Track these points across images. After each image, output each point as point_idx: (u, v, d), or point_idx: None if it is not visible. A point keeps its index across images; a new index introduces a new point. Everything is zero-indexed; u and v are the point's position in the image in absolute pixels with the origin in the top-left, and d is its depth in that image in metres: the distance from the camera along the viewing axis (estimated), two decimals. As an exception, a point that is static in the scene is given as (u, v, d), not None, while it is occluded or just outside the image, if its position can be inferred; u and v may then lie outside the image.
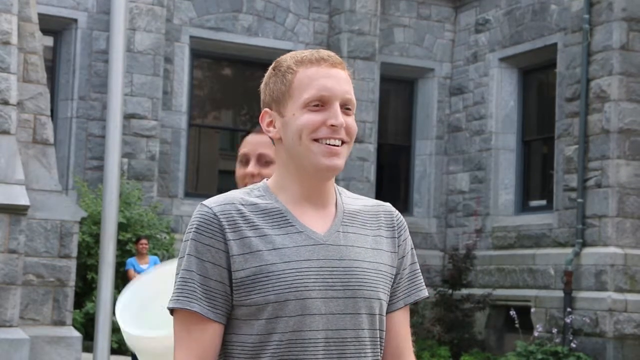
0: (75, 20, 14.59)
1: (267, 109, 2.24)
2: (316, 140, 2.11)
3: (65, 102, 14.65)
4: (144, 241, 12.75)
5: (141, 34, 14.77)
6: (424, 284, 2.31)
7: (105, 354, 7.37)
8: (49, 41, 14.35)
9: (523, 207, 15.35)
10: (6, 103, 8.43)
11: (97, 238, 12.40)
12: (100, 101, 14.07)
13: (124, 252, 12.95)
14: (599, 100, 13.46)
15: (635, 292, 12.98)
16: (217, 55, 16.05)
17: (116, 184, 7.40)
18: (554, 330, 13.02)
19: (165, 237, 13.98)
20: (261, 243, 2.10)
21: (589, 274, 13.23)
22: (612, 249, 13.08)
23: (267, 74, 2.27)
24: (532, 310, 13.82)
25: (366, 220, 2.23)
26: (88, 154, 14.58)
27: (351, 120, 2.15)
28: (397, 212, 2.30)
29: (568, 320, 12.98)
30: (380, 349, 2.20)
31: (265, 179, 2.26)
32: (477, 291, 14.62)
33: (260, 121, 2.25)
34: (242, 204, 2.14)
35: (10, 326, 8.22)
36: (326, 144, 2.11)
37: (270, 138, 2.23)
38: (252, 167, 3.15)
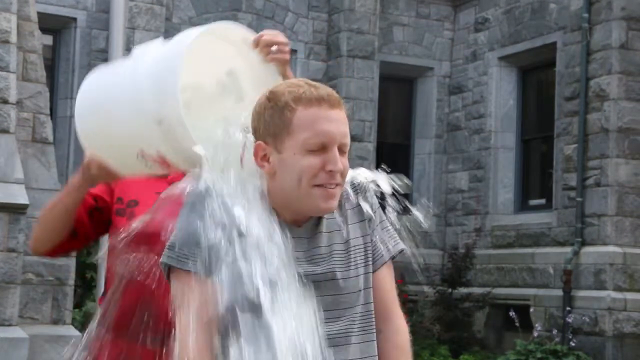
0: (75, 19, 14.58)
1: (261, 143, 2.21)
2: (315, 185, 2.15)
3: (64, 100, 14.65)
4: None
5: (140, 33, 14.76)
6: (397, 238, 2.40)
7: (104, 353, 7.36)
8: (48, 40, 14.34)
9: (522, 206, 15.35)
10: (5, 102, 8.42)
11: (96, 237, 12.39)
12: (100, 100, 14.06)
13: (123, 251, 12.94)
14: (598, 99, 13.46)
15: (635, 291, 12.98)
16: (217, 54, 16.03)
17: (115, 183, 7.39)
18: (554, 329, 13.02)
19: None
20: (246, 224, 2.15)
21: (588, 273, 13.23)
22: (611, 248, 13.08)
23: (260, 104, 2.23)
24: (532, 309, 13.83)
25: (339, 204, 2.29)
26: (87, 153, 14.57)
27: (345, 161, 2.21)
28: (352, 180, 2.37)
29: (567, 319, 12.98)
30: (371, 320, 2.27)
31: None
32: (477, 290, 14.62)
33: (254, 155, 2.22)
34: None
35: (10, 325, 8.22)
36: (324, 187, 2.16)
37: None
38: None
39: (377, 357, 2.30)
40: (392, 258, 2.39)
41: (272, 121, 2.17)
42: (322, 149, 2.14)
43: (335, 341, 2.18)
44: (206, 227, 2.13)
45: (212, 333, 2.12)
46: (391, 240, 2.38)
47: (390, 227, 2.39)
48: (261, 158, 2.20)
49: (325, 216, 2.27)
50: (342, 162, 2.18)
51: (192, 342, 2.09)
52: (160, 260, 2.18)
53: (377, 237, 2.35)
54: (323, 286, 2.20)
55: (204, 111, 2.55)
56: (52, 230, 3.13)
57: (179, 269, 2.13)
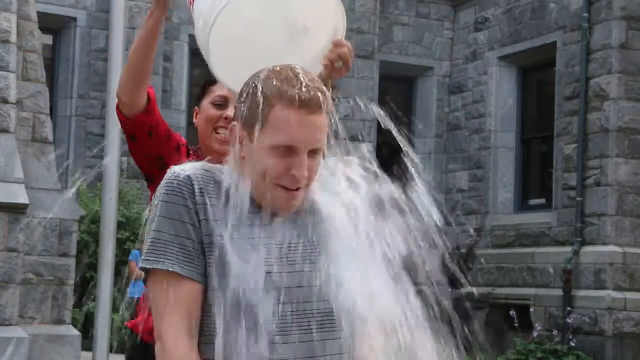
0: (75, 19, 14.58)
1: (240, 126, 2.20)
2: (277, 184, 2.14)
3: (64, 100, 14.65)
4: None
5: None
6: None
7: (104, 353, 7.37)
8: (48, 39, 14.34)
9: (522, 205, 15.35)
10: (5, 101, 8.42)
11: (95, 237, 12.40)
12: (100, 99, 14.06)
13: (122, 250, 12.94)
14: (598, 99, 13.46)
15: (635, 290, 12.98)
16: (216, 53, 16.03)
17: (115, 183, 7.40)
18: (553, 329, 13.02)
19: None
20: (220, 213, 2.14)
21: (588, 273, 13.23)
22: (611, 248, 13.08)
23: (246, 86, 2.21)
24: (532, 309, 13.82)
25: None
26: (87, 153, 14.58)
27: (315, 164, 2.18)
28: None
29: (567, 319, 12.98)
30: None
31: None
32: (477, 290, 14.62)
33: (229, 131, 2.22)
34: (209, 177, 2.18)
35: (10, 324, 8.22)
36: (286, 188, 2.15)
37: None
38: (231, 111, 3.11)
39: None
40: None
41: (250, 110, 2.16)
42: (290, 153, 2.13)
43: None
44: (182, 224, 2.12)
45: (195, 333, 2.10)
46: None
47: None
48: (236, 138, 2.20)
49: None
50: (309, 165, 2.15)
51: (181, 345, 2.08)
52: (140, 264, 2.15)
53: None
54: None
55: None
56: (134, 69, 3.25)
57: (158, 269, 2.11)
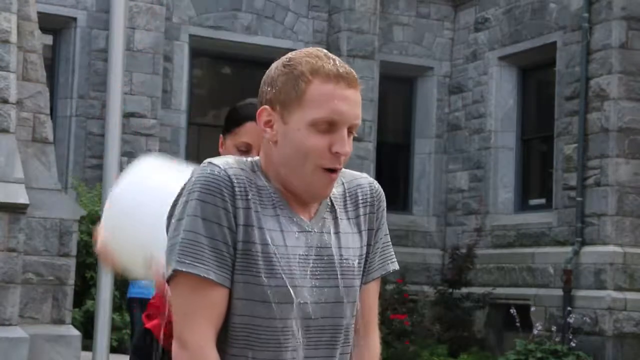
0: (75, 19, 14.58)
1: (268, 107, 2.11)
2: (320, 166, 2.06)
3: (64, 100, 14.65)
4: None
5: (140, 33, 14.76)
6: (394, 256, 2.31)
7: (104, 353, 7.37)
8: (48, 40, 14.34)
9: (522, 205, 15.35)
10: (5, 101, 8.42)
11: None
12: (100, 100, 14.07)
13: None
14: (599, 99, 13.46)
15: (635, 290, 12.98)
16: (217, 53, 16.05)
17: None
18: (554, 329, 13.02)
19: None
20: (260, 219, 2.05)
21: (589, 273, 13.23)
22: (611, 248, 13.07)
23: (275, 69, 2.14)
24: (532, 308, 13.82)
25: (347, 202, 2.21)
26: (87, 153, 14.58)
27: (351, 142, 2.10)
28: (373, 184, 2.28)
29: (567, 319, 12.98)
30: (351, 334, 2.19)
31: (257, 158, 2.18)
32: (477, 290, 14.62)
33: (257, 116, 2.12)
34: (246, 176, 2.08)
35: (10, 325, 8.22)
36: (327, 170, 2.07)
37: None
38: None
39: None
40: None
41: (284, 89, 2.07)
42: (331, 129, 2.04)
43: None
44: (219, 227, 2.01)
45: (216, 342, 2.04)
46: (390, 255, 2.30)
47: (390, 243, 2.30)
48: (265, 123, 2.10)
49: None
50: (348, 144, 2.08)
51: (210, 355, 2.00)
52: (172, 265, 2.02)
53: (379, 249, 2.26)
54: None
55: None
56: None
57: (188, 273, 1.99)
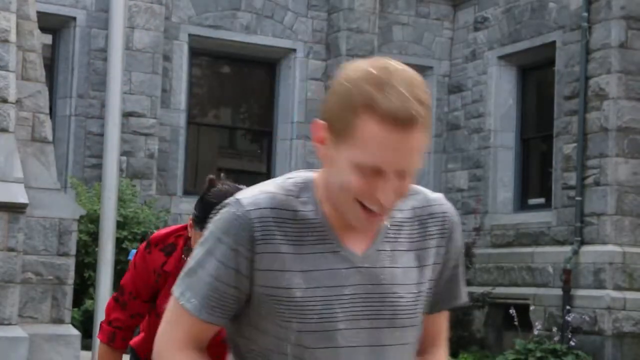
0: (74, 19, 14.58)
1: (324, 125, 1.87)
2: (358, 201, 1.84)
3: (64, 100, 14.64)
4: None
5: (140, 32, 14.76)
6: (462, 289, 2.14)
7: (104, 352, 7.36)
8: (47, 39, 14.34)
9: (522, 205, 15.35)
10: (5, 101, 8.42)
11: (93, 236, 12.39)
12: (99, 99, 14.06)
13: (120, 249, 12.95)
14: (598, 99, 13.46)
15: (634, 290, 12.98)
16: (216, 53, 16.04)
17: (115, 183, 7.40)
18: (553, 328, 13.02)
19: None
20: (292, 262, 1.89)
21: (588, 272, 13.23)
22: (610, 247, 13.08)
23: (337, 82, 1.89)
24: (531, 308, 13.82)
25: (413, 231, 2.01)
26: (87, 152, 14.58)
27: (404, 184, 1.85)
28: (449, 211, 2.08)
29: (567, 319, 12.98)
30: None
31: (312, 175, 2.00)
32: (476, 289, 14.62)
33: (311, 129, 1.91)
34: (285, 209, 1.90)
35: (9, 324, 8.21)
36: (368, 210, 1.85)
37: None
38: None
39: None
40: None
41: (336, 111, 1.84)
42: (376, 174, 1.80)
43: None
44: (225, 268, 1.90)
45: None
46: (458, 290, 2.13)
47: (461, 274, 2.12)
48: (318, 139, 1.89)
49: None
50: (399, 185, 1.83)
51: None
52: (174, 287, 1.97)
53: (447, 280, 2.10)
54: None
55: None
56: None
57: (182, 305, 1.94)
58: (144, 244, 3.32)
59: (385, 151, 1.78)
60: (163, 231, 3.34)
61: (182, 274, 1.96)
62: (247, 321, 1.95)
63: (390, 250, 1.96)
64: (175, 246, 3.27)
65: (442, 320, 2.14)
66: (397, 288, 1.95)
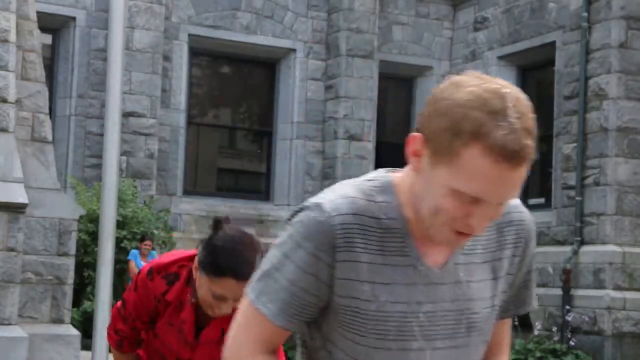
0: (74, 19, 14.58)
1: (422, 139, 1.77)
2: (449, 225, 1.78)
3: (63, 100, 14.65)
4: (148, 242, 12.79)
5: (140, 32, 14.76)
6: (533, 295, 2.07)
7: (103, 353, 7.36)
8: (47, 39, 14.35)
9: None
10: (4, 101, 8.42)
11: (93, 236, 12.40)
12: (99, 99, 14.07)
13: (120, 249, 12.96)
14: (598, 99, 13.46)
15: (634, 290, 12.98)
16: (216, 53, 16.04)
17: (115, 182, 7.39)
18: (553, 328, 13.02)
19: (161, 234, 13.97)
20: (371, 272, 1.83)
21: (588, 272, 13.23)
22: (610, 247, 13.08)
23: (440, 98, 1.75)
24: (531, 308, 13.82)
25: (490, 240, 1.94)
26: (86, 152, 14.58)
27: (500, 210, 1.79)
28: (527, 218, 1.99)
29: (567, 318, 12.98)
30: None
31: (392, 177, 1.92)
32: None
33: (407, 141, 1.81)
34: (367, 215, 1.82)
35: (9, 324, 8.21)
36: (457, 233, 1.79)
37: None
38: (226, 309, 3.01)
39: None
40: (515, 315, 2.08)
41: (438, 131, 1.73)
42: (475, 202, 1.73)
43: None
44: (305, 274, 1.83)
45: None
46: (529, 296, 2.06)
47: (532, 280, 2.05)
48: (413, 151, 1.80)
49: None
50: (494, 213, 1.77)
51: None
52: (248, 290, 1.91)
53: (519, 287, 2.04)
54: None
55: None
56: None
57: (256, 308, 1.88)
58: (145, 267, 3.27)
59: (489, 184, 1.71)
60: (166, 259, 3.29)
61: (256, 276, 1.89)
62: (324, 328, 1.90)
63: (467, 263, 1.91)
64: (178, 276, 3.21)
65: (507, 327, 2.08)
66: (472, 304, 1.90)
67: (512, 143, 1.70)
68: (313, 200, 1.85)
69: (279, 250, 1.85)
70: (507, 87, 1.75)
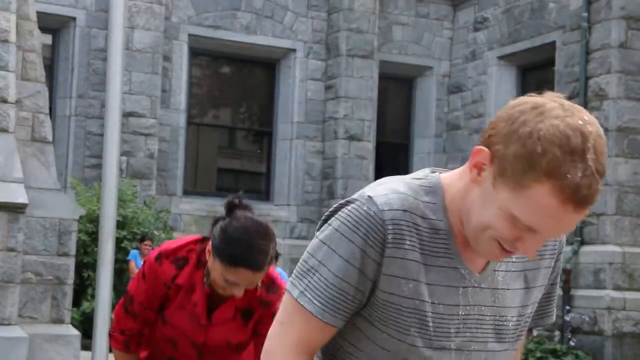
0: (74, 19, 14.58)
1: (490, 157, 1.75)
2: (497, 242, 1.77)
3: (63, 100, 14.65)
4: (148, 242, 12.79)
5: (140, 32, 14.76)
6: (554, 307, 2.10)
7: (103, 353, 7.36)
8: (47, 39, 14.35)
9: (522, 205, 15.36)
10: (4, 101, 8.42)
11: (93, 236, 12.41)
12: (99, 99, 14.07)
13: (120, 249, 12.96)
14: (598, 99, 13.46)
15: (634, 290, 12.98)
16: (216, 53, 16.05)
17: (115, 183, 7.39)
18: (553, 329, 13.02)
19: (161, 234, 13.98)
20: (417, 270, 1.81)
21: (588, 272, 13.23)
22: (610, 247, 13.08)
23: (521, 123, 1.70)
24: (531, 308, 13.84)
25: None
26: (86, 152, 14.58)
27: (547, 239, 1.79)
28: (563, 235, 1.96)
29: (567, 319, 12.98)
30: None
31: (440, 175, 1.92)
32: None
33: (473, 152, 1.79)
34: (416, 214, 1.81)
35: (9, 324, 8.21)
36: (503, 249, 1.78)
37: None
38: (239, 293, 3.06)
39: None
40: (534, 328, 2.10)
41: (511, 159, 1.69)
42: (528, 230, 1.72)
43: None
44: (352, 267, 1.80)
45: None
46: (550, 309, 2.08)
47: (555, 293, 2.08)
48: (476, 164, 1.78)
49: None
50: (543, 242, 1.77)
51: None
52: (288, 286, 1.88)
53: (542, 300, 2.06)
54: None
55: None
56: None
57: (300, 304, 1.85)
58: (153, 254, 3.27)
59: (550, 221, 1.69)
60: (173, 244, 3.29)
61: (298, 271, 1.86)
62: (359, 325, 1.88)
63: (505, 271, 1.90)
64: (187, 260, 3.22)
65: (523, 339, 2.08)
66: (505, 311, 1.90)
67: (585, 189, 1.66)
68: (362, 193, 1.83)
69: (324, 244, 1.82)
70: (590, 124, 1.70)
